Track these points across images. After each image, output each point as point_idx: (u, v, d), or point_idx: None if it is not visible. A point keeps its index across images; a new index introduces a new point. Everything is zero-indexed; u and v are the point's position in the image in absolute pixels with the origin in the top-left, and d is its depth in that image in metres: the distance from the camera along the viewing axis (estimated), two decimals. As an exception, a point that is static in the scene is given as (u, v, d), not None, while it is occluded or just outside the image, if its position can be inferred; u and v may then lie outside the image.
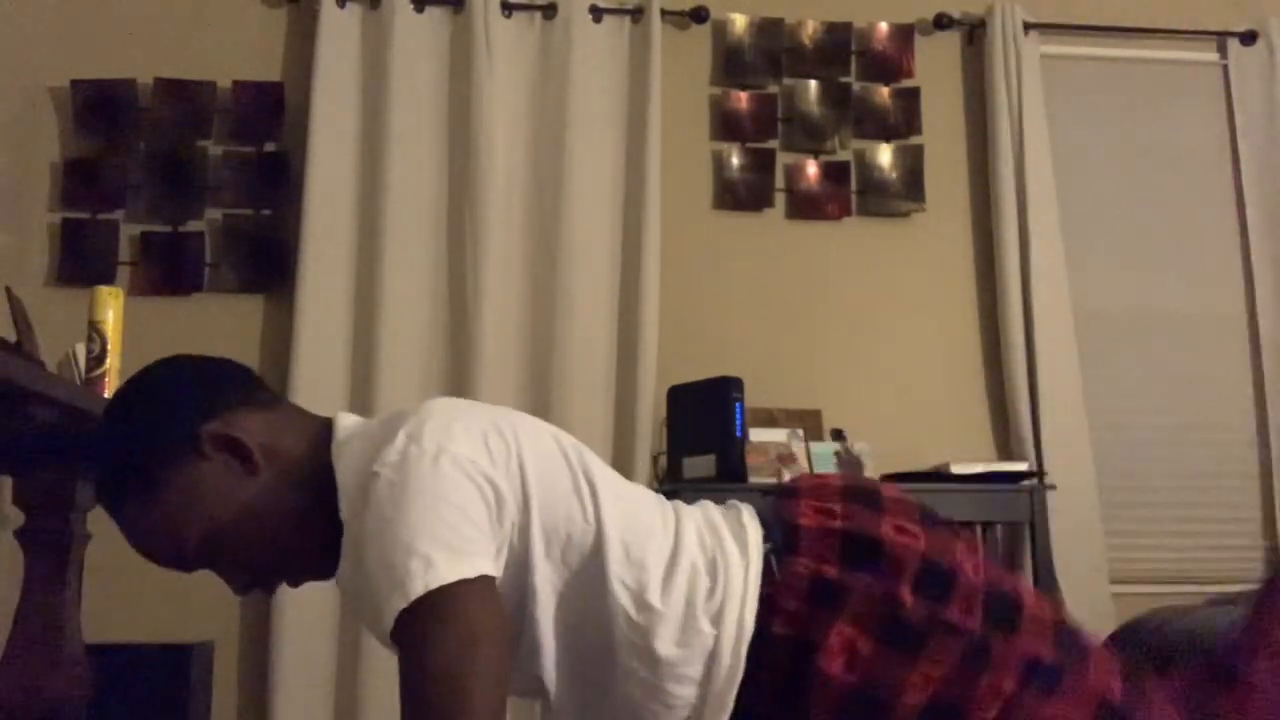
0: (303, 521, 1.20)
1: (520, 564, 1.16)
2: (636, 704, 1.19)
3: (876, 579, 1.17)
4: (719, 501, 1.33)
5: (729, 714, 1.19)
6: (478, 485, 1.11)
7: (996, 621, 1.18)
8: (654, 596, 1.17)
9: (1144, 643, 2.55)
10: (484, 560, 1.08)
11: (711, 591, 1.18)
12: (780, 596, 1.18)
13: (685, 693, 1.18)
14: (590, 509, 1.19)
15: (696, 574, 1.19)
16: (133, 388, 1.23)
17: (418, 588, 1.02)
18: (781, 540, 1.21)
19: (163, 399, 1.21)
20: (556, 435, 1.24)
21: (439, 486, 1.08)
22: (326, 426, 1.24)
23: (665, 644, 1.17)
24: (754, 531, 1.23)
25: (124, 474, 1.18)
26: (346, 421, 1.23)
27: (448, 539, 1.06)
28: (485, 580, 1.07)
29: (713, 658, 1.17)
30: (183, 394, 1.21)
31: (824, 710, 1.16)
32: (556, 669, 1.20)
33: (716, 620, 1.17)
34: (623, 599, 1.17)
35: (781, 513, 1.25)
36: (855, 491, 1.27)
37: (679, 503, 1.31)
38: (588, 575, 1.18)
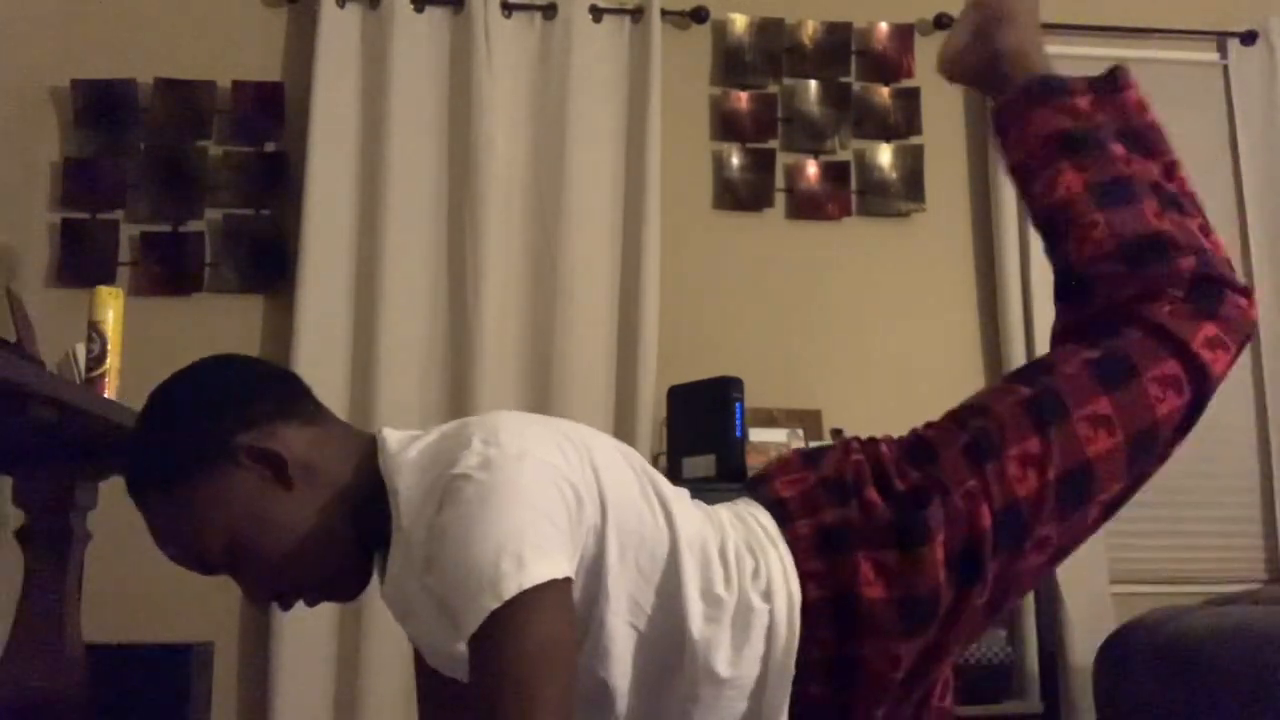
0: (333, 540, 1.20)
1: (595, 567, 1.17)
2: (707, 695, 1.22)
3: (855, 501, 1.27)
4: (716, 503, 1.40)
5: (791, 678, 1.23)
6: (559, 488, 1.12)
7: (920, 464, 1.30)
8: (720, 588, 1.21)
9: (1144, 643, 2.56)
10: (567, 562, 1.09)
11: (756, 571, 1.23)
12: (801, 564, 1.24)
13: (753, 671, 1.22)
14: (660, 514, 1.21)
15: (741, 556, 1.24)
16: (177, 385, 1.22)
17: (511, 587, 1.02)
18: (776, 517, 1.29)
19: (205, 402, 1.20)
20: (618, 444, 1.27)
21: (525, 487, 1.09)
22: (371, 442, 1.23)
23: (729, 630, 1.21)
24: (762, 513, 1.30)
25: (156, 473, 1.17)
26: (395, 435, 1.22)
27: (536, 539, 1.06)
28: (568, 583, 1.08)
29: (771, 631, 1.22)
30: (225, 400, 1.20)
31: (885, 638, 1.23)
32: (632, 677, 1.21)
33: (767, 595, 1.22)
34: (695, 597, 1.20)
35: (767, 495, 1.32)
36: (810, 453, 1.39)
37: (701, 502, 1.36)
38: (661, 578, 1.20)
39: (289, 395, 1.24)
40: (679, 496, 1.29)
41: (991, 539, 1.25)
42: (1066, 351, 1.39)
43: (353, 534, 1.20)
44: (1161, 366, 1.33)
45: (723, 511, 1.31)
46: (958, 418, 1.35)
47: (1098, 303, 1.40)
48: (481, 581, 1.03)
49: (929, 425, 1.38)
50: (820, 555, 1.24)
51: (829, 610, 1.23)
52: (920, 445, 1.33)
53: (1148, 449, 1.35)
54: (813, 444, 3.09)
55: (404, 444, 1.20)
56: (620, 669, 1.20)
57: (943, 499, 1.25)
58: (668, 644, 1.20)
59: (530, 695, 1.00)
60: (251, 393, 1.22)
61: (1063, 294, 1.48)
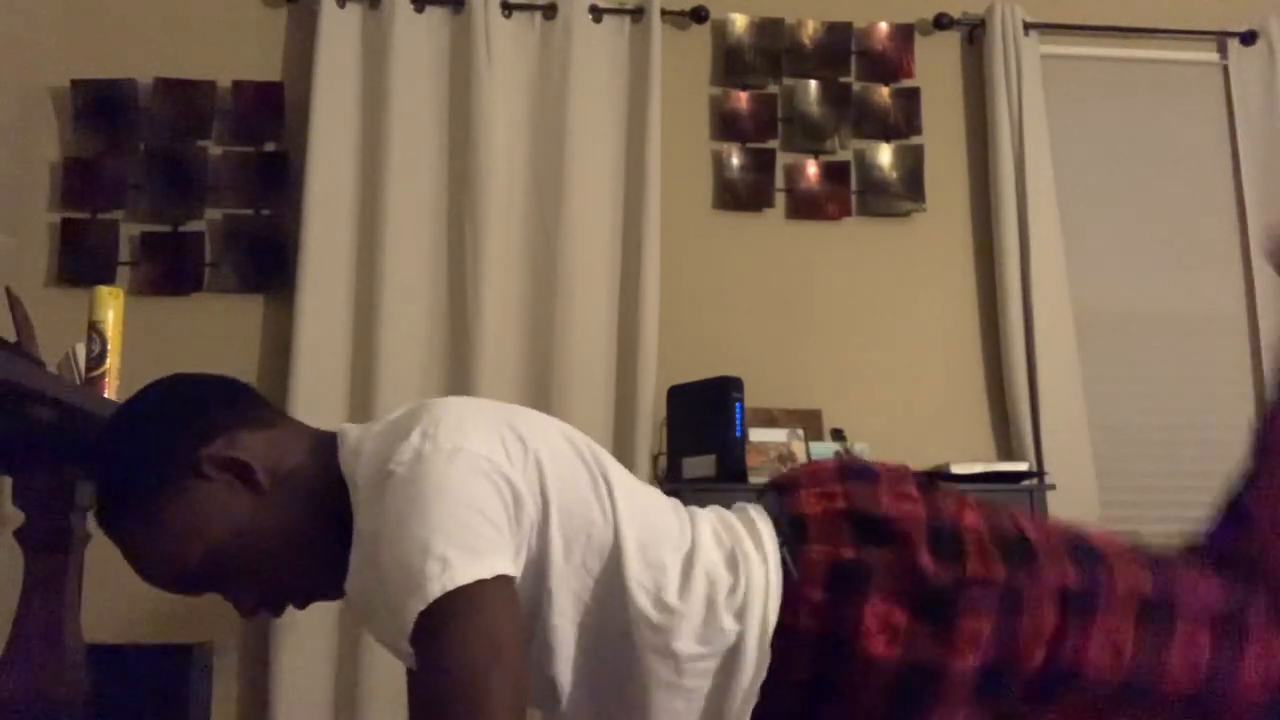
0: (309, 539, 1.19)
1: (538, 567, 1.15)
2: (658, 704, 1.19)
3: (894, 552, 1.18)
4: (724, 505, 1.33)
5: (753, 704, 1.18)
6: (495, 485, 1.10)
7: (1014, 561, 1.20)
8: (672, 597, 1.17)
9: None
10: (501, 560, 1.07)
11: (733, 589, 1.18)
12: (802, 589, 1.18)
13: (703, 684, 1.18)
14: (609, 509, 1.18)
15: (716, 572, 1.19)
16: (131, 410, 1.22)
17: (434, 589, 1.01)
18: (790, 533, 1.22)
19: (162, 421, 1.19)
20: (570, 434, 1.24)
21: (455, 485, 1.07)
22: (331, 439, 1.22)
23: (686, 643, 1.16)
24: (765, 527, 1.23)
25: (124, 499, 1.16)
26: (353, 430, 1.22)
27: (464, 539, 1.04)
28: (503, 580, 1.06)
29: (735, 652, 1.17)
30: (182, 415, 1.20)
31: (873, 694, 1.16)
32: (574, 672, 1.19)
33: (740, 616, 1.17)
34: (641, 601, 1.16)
35: (785, 506, 1.25)
36: (850, 471, 1.28)
37: (693, 506, 1.31)
38: (606, 578, 1.17)
39: (243, 403, 1.24)
40: (642, 495, 1.24)
41: (1026, 683, 1.17)
42: (1206, 576, 1.29)
43: (329, 531, 1.18)
44: (1273, 651, 1.24)
45: (708, 521, 1.25)
46: (1072, 544, 1.25)
47: (1255, 554, 1.31)
48: (409, 583, 1.02)
49: (1035, 524, 1.27)
50: (826, 589, 1.18)
51: (818, 644, 1.17)
52: (1022, 545, 1.22)
53: (1208, 712, 1.24)
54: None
55: (361, 437, 1.19)
56: (565, 668, 1.18)
57: (1012, 612, 1.17)
58: (616, 646, 1.18)
59: (469, 696, 0.99)
60: (205, 405, 1.21)
61: (1230, 519, 1.37)
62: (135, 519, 1.16)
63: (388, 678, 2.88)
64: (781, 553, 1.20)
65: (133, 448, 1.18)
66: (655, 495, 1.28)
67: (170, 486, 1.15)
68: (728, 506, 1.33)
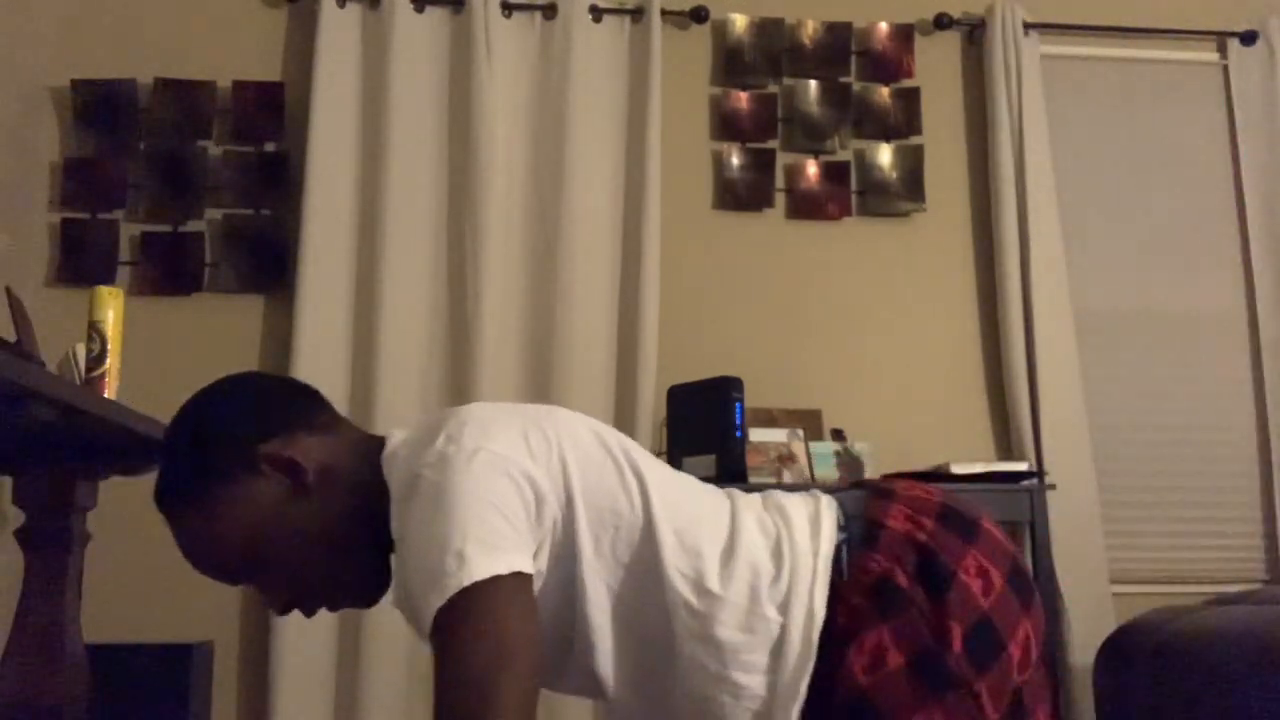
0: (350, 542, 1.22)
1: (568, 561, 1.16)
2: (703, 695, 1.19)
3: (937, 612, 1.17)
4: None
5: (801, 702, 1.18)
6: (515, 483, 1.12)
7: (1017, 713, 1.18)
8: (713, 583, 1.18)
9: (1144, 643, 2.56)
10: (519, 557, 1.08)
11: (776, 578, 1.19)
12: (846, 589, 1.19)
13: (752, 681, 1.18)
14: (638, 500, 1.19)
15: (758, 561, 1.20)
16: (200, 400, 1.26)
17: (452, 585, 1.03)
18: (860, 535, 1.22)
19: (225, 416, 1.23)
20: (598, 430, 1.25)
21: (474, 484, 1.09)
22: (379, 444, 1.25)
23: (728, 629, 1.17)
24: (829, 520, 1.23)
25: (183, 486, 1.20)
26: (397, 435, 1.24)
27: (482, 535, 1.06)
28: (520, 577, 1.07)
29: (780, 645, 1.18)
30: (245, 412, 1.23)
31: (837, 700, 1.16)
32: (615, 665, 1.21)
33: (784, 608, 1.18)
34: (681, 587, 1.17)
35: (869, 509, 1.25)
36: (952, 515, 1.26)
37: (735, 490, 1.31)
38: (641, 567, 1.18)
39: (306, 406, 1.27)
40: (679, 485, 1.25)
41: None
42: None
43: (371, 538, 1.21)
44: None
45: (753, 509, 1.26)
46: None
47: None
48: (428, 581, 1.05)
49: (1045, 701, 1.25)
50: (867, 597, 1.18)
51: (844, 641, 1.18)
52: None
53: None
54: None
55: (401, 442, 1.22)
56: (606, 661, 1.20)
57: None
58: (656, 637, 1.19)
59: (482, 692, 1.00)
60: (269, 404, 1.25)
61: None
62: (190, 506, 1.20)
63: (388, 678, 2.89)
64: (838, 550, 1.20)
65: (196, 438, 1.22)
66: (692, 483, 1.29)
67: (226, 477, 1.19)
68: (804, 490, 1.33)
